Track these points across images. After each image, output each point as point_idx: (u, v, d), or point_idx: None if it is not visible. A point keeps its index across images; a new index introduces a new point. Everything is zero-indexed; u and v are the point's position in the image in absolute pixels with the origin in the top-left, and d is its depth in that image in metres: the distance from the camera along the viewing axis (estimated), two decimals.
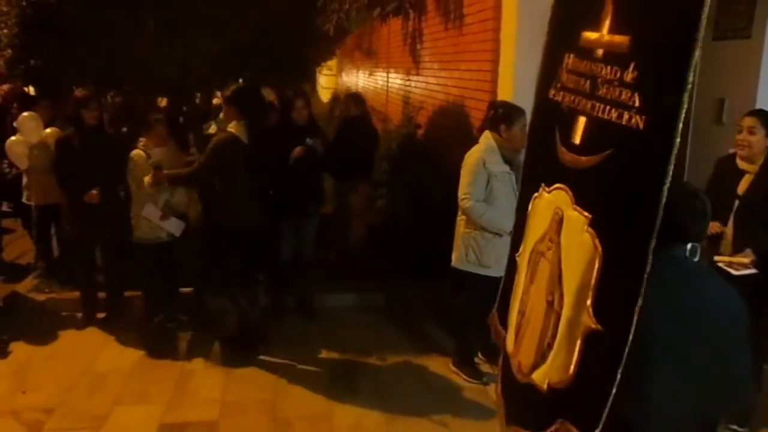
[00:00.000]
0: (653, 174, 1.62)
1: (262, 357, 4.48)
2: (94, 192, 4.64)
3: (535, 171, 2.31)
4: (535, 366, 2.11)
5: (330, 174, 5.50)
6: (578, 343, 1.88)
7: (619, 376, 1.70)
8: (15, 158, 5.46)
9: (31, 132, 5.34)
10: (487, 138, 4.10)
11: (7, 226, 6.89)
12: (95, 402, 3.94)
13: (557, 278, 2.03)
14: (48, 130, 5.37)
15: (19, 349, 4.65)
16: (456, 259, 4.20)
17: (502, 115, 4.09)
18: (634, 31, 1.78)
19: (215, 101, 7.09)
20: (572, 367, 1.89)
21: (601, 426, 1.77)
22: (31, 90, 12.02)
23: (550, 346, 2.05)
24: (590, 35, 1.97)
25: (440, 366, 4.39)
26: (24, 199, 5.81)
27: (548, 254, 2.10)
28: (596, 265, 1.81)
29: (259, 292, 4.88)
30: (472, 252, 4.07)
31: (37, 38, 5.35)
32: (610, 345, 1.75)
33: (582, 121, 2.00)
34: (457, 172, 4.33)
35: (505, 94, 5.07)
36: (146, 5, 5.13)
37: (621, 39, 1.82)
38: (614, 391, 1.71)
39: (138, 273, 4.96)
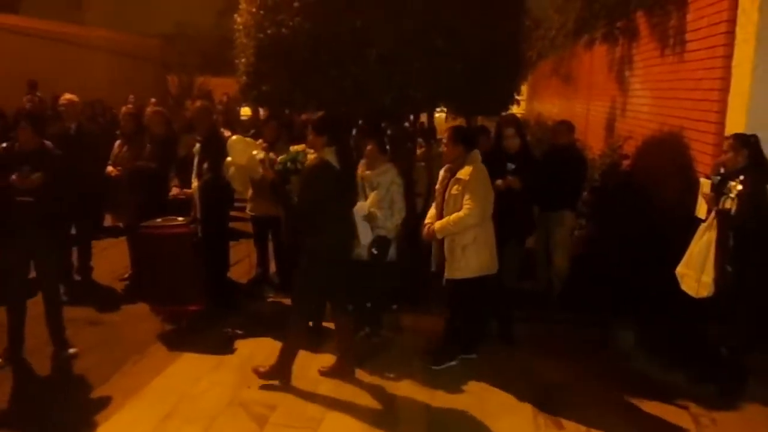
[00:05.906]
0: None
1: (467, 379, 4.53)
2: None
3: None
4: None
5: (536, 203, 5.42)
6: None
7: None
8: (230, 179, 5.59)
9: (239, 154, 5.39)
10: None
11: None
12: (310, 405, 4.22)
13: None
14: (254, 152, 5.33)
15: (243, 346, 5.12)
16: None
17: None
18: None
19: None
20: None
21: None
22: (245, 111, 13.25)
23: None
24: None
25: (649, 405, 4.15)
26: (248, 210, 6.42)
27: None
28: None
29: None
30: None
31: (269, 66, 5.94)
32: None
33: None
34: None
35: (735, 124, 4.72)
36: (371, 38, 5.47)
37: None
38: None
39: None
